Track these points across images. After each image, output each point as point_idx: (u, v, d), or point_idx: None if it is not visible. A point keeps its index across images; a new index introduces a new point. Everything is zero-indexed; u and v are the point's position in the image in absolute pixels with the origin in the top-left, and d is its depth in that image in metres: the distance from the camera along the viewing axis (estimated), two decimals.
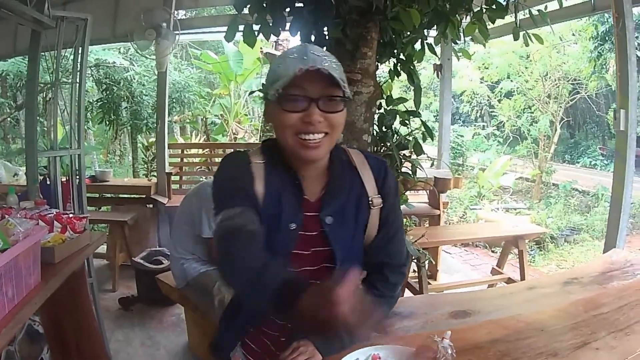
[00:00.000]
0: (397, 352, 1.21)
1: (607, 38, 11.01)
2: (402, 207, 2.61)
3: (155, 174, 5.44)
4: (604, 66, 11.64)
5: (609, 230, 3.70)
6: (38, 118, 3.56)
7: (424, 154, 2.57)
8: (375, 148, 2.35)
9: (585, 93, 12.82)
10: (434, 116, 12.18)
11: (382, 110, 2.46)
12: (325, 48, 2.26)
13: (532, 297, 2.57)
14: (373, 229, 1.27)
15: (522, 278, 4.36)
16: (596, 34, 11.58)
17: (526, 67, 12.89)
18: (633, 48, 3.48)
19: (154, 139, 6.10)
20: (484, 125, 16.63)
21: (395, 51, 2.44)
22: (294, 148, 1.14)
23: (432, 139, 2.61)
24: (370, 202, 1.25)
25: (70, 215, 2.33)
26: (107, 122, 7.61)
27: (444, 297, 3.19)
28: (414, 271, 3.94)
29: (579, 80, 12.56)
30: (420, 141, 2.49)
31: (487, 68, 13.66)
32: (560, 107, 12.47)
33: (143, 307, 4.05)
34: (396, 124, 2.49)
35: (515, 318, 1.65)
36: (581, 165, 16.08)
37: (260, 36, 2.29)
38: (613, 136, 11.39)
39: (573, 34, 12.20)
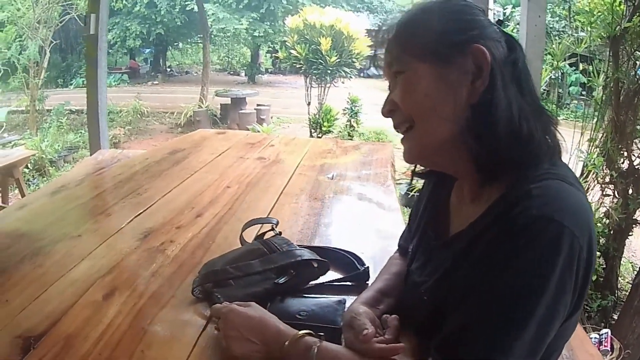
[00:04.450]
0: None
1: None
2: None
3: None
4: None
5: (91, 134, 3.74)
6: None
7: None
8: None
9: (76, 13, 12.35)
10: None
11: None
12: None
13: (24, 216, 2.11)
14: None
15: None
16: None
17: None
18: None
19: None
20: None
21: None
22: None
23: None
24: None
25: None
26: None
27: None
28: None
29: (69, 1, 12.20)
30: None
31: None
32: (50, 30, 12.08)
33: None
34: None
35: None
36: (75, 87, 15.97)
37: None
38: None
39: None
